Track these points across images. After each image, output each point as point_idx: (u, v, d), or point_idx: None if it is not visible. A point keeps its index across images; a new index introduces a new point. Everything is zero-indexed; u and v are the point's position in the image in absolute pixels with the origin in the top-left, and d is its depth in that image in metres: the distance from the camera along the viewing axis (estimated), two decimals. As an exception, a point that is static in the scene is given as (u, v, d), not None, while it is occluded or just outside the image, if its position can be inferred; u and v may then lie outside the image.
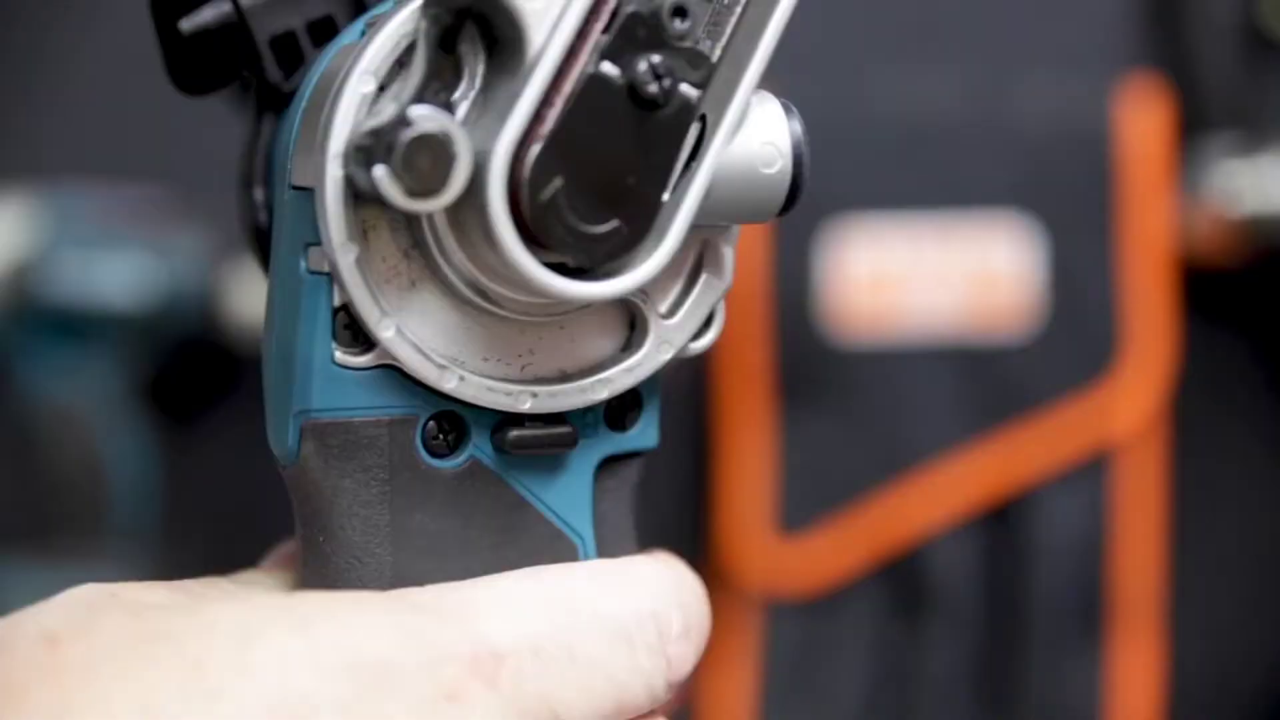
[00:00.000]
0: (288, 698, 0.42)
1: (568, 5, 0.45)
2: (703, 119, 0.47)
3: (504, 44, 0.46)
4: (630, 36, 0.45)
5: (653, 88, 0.46)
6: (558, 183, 0.45)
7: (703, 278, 0.50)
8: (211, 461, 1.38)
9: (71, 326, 1.31)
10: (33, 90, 1.36)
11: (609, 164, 0.45)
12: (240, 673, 0.42)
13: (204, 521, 1.39)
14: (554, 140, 0.44)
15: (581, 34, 0.45)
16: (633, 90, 0.45)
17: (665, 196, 0.46)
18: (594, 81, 0.45)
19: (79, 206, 1.32)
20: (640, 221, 0.46)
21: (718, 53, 0.47)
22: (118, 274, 1.31)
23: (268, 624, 0.44)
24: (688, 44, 0.46)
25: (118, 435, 1.32)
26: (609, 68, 0.45)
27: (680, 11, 0.46)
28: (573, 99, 0.45)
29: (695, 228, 0.48)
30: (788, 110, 0.48)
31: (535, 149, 0.44)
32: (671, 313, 0.50)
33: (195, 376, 1.38)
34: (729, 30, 0.47)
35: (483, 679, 0.45)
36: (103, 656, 0.43)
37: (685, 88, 0.46)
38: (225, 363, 1.36)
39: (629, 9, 0.45)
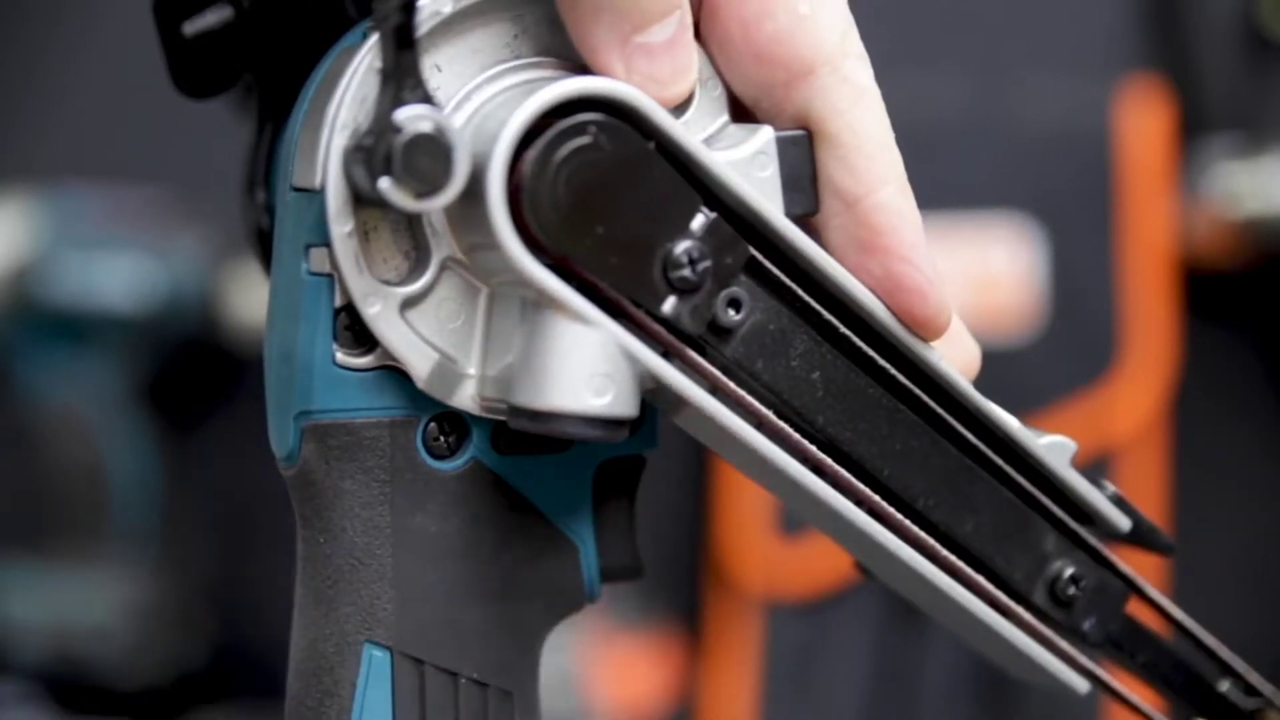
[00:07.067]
0: None
1: None
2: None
3: None
4: None
5: None
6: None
7: None
8: (211, 463, 1.39)
9: (71, 328, 1.31)
10: (33, 90, 1.36)
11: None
12: None
13: (203, 522, 1.39)
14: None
15: None
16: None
17: None
18: None
19: (79, 207, 1.33)
20: None
21: None
22: (118, 275, 1.31)
23: None
24: None
25: (118, 437, 1.33)
26: None
27: None
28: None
29: None
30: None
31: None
32: None
33: (195, 378, 1.38)
34: None
35: None
36: None
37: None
38: (225, 364, 1.36)
39: None
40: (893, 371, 0.49)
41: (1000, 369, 1.25)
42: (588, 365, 0.45)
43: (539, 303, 0.45)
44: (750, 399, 0.48)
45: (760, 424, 0.48)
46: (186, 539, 1.38)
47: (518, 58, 0.47)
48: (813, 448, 0.48)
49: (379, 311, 0.46)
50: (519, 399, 0.46)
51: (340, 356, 0.47)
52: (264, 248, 0.51)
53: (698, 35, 0.48)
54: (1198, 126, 1.27)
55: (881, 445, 0.49)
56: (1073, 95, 1.26)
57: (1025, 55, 1.30)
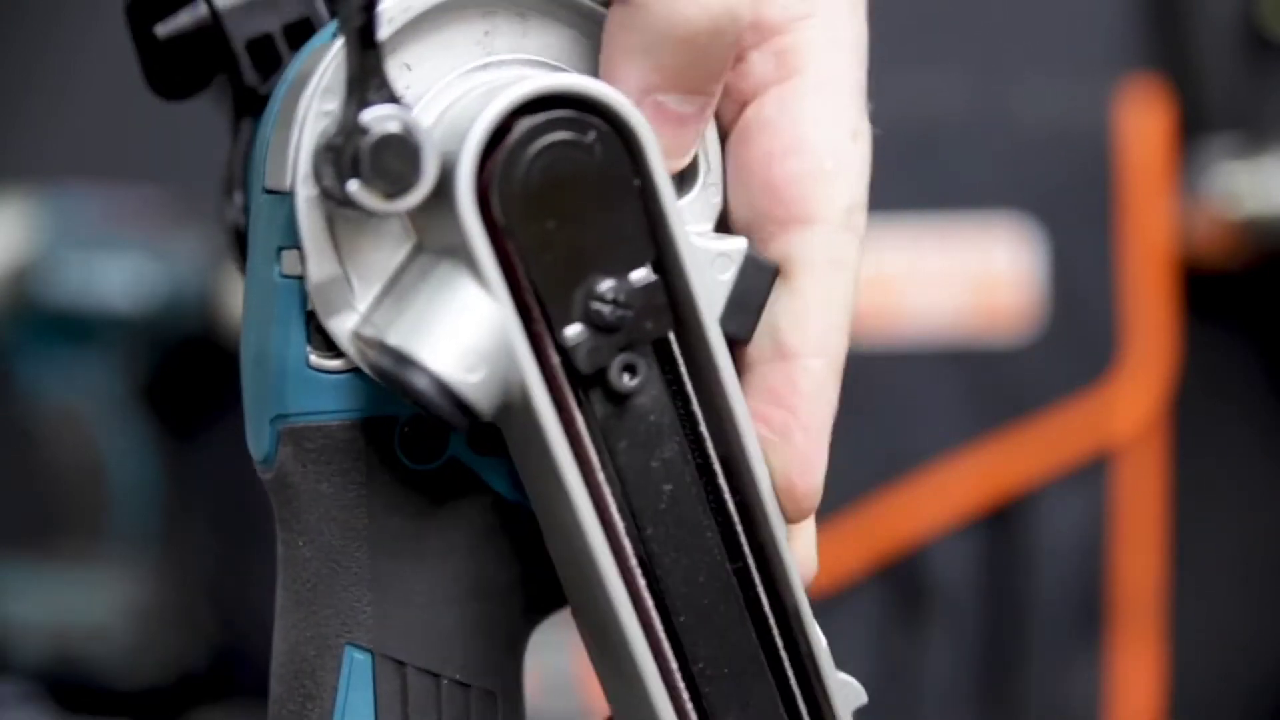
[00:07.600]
0: None
1: None
2: None
3: None
4: None
5: None
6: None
7: None
8: (211, 463, 1.39)
9: (71, 328, 1.31)
10: (33, 90, 1.37)
11: None
12: None
13: (203, 522, 1.39)
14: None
15: None
16: None
17: None
18: None
19: (79, 208, 1.33)
20: None
21: None
22: (118, 276, 1.31)
23: None
24: None
25: (117, 437, 1.33)
26: None
27: None
28: None
29: None
30: None
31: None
32: None
33: (195, 378, 1.38)
34: None
35: None
36: None
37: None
38: (225, 364, 1.35)
39: None
40: (739, 530, 0.48)
41: (1000, 369, 1.25)
42: (471, 337, 0.44)
43: (458, 262, 0.45)
44: (598, 468, 0.46)
45: (596, 499, 0.46)
46: (186, 539, 1.38)
47: (490, 54, 0.47)
48: (629, 549, 0.46)
49: (311, 197, 0.45)
50: (394, 339, 0.44)
51: (314, 359, 0.46)
52: (242, 249, 0.51)
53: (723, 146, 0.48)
54: (1198, 126, 1.27)
55: (692, 592, 0.47)
56: (1073, 95, 1.26)
57: (1025, 55, 1.30)
